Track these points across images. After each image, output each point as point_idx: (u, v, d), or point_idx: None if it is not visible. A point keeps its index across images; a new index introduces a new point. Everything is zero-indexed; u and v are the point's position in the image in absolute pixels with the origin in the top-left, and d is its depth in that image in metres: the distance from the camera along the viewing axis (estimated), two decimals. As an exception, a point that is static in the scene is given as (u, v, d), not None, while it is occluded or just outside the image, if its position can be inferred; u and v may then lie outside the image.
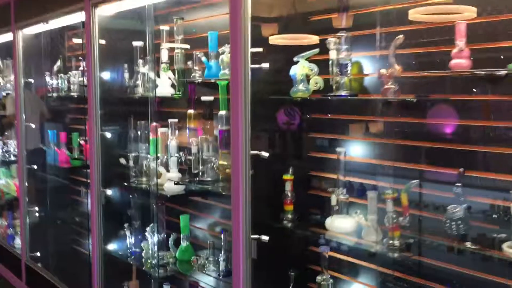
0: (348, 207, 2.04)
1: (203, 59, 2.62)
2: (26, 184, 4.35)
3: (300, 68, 2.14)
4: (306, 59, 2.17)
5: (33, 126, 4.34)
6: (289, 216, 2.24)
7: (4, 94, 5.08)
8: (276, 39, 2.41)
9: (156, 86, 3.06)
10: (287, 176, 2.25)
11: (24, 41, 4.28)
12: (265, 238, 2.13)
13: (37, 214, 4.38)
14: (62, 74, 4.19)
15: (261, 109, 2.24)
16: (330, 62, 2.02)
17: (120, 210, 3.34)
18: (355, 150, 2.14)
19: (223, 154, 2.60)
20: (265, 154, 2.12)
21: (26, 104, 4.36)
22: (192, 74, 2.78)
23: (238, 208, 2.15)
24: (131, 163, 3.22)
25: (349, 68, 1.97)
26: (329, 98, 2.03)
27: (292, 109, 2.61)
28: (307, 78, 2.16)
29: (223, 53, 2.55)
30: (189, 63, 2.77)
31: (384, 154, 2.08)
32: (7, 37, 4.56)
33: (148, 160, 3.11)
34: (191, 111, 2.82)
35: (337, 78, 1.99)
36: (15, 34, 4.25)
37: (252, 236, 2.14)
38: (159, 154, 3.03)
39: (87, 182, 3.38)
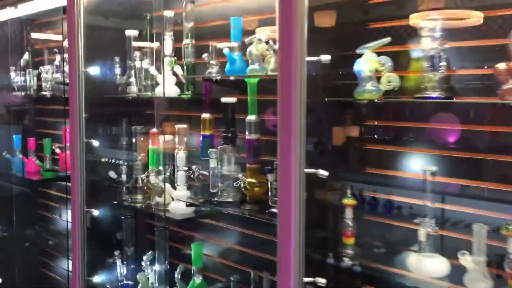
0: (434, 242, 1.58)
1: (226, 51, 2.11)
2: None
3: (368, 63, 1.67)
4: (373, 51, 1.70)
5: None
6: (350, 251, 1.76)
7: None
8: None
9: (156, 84, 2.54)
10: (348, 201, 1.77)
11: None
12: (321, 281, 1.64)
13: (-1, 234, 3.72)
14: (30, 70, 3.57)
15: (311, 114, 1.75)
16: (422, 53, 1.56)
17: (108, 234, 2.77)
18: (438, 167, 1.68)
19: (251, 170, 2.11)
20: (324, 172, 1.64)
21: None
22: (208, 70, 2.26)
23: (288, 242, 1.65)
24: (123, 177, 2.66)
25: (443, 62, 1.52)
26: (417, 100, 1.57)
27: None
28: (377, 75, 1.69)
29: (250, 43, 2.06)
30: (205, 56, 2.25)
31: (484, 174, 1.64)
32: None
33: (147, 174, 2.56)
34: (206, 115, 2.30)
35: (429, 75, 1.53)
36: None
37: (305, 280, 1.65)
38: (161, 167, 2.49)
39: (66, 198, 2.79)
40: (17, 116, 3.81)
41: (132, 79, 2.66)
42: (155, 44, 2.60)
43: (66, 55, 3.18)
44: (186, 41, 2.39)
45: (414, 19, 1.69)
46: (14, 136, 3.63)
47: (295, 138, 1.62)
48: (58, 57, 3.24)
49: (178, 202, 2.34)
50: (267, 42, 1.94)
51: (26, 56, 3.60)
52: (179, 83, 2.48)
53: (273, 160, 2.04)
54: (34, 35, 3.76)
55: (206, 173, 2.26)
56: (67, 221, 2.84)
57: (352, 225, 1.75)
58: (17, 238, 3.67)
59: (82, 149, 2.64)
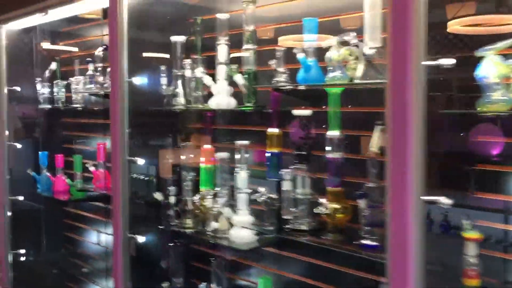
0: None
1: (301, 56, 1.84)
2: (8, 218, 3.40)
3: (495, 67, 1.40)
4: (497, 54, 1.43)
5: (18, 146, 3.39)
6: (473, 295, 1.47)
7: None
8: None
9: (208, 95, 2.27)
10: (471, 234, 1.48)
11: (9, 38, 3.36)
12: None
13: (23, 258, 3.43)
14: (59, 81, 3.32)
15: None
16: None
17: (153, 262, 2.49)
18: None
19: (333, 193, 1.83)
20: (446, 201, 1.35)
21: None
22: (275, 78, 1.99)
23: (404, 285, 1.37)
24: (171, 199, 2.38)
25: None
26: None
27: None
28: (506, 81, 1.41)
29: (328, 48, 1.79)
30: (272, 62, 1.98)
31: None
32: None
33: (199, 195, 2.28)
34: (274, 130, 2.02)
35: None
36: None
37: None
38: (218, 189, 2.21)
39: (105, 222, 2.51)
40: (42, 131, 3.54)
41: (179, 89, 2.40)
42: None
43: (99, 64, 2.96)
44: (246, 46, 2.12)
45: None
46: (40, 152, 3.36)
47: (412, 159, 1.34)
48: (91, 67, 2.98)
49: (239, 228, 2.05)
50: (356, 46, 1.67)
51: (53, 66, 3.35)
52: (234, 94, 2.21)
53: (360, 182, 1.77)
54: (45, 45, 3.50)
55: (274, 196, 1.98)
56: (106, 248, 2.56)
57: (477, 263, 1.46)
58: (43, 262, 3.39)
59: (125, 168, 2.36)
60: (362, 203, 1.67)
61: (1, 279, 3.36)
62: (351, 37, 1.67)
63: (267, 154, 2.02)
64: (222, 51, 2.22)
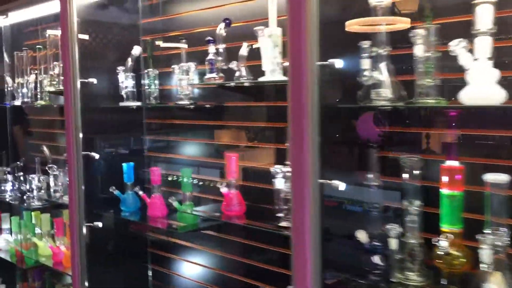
0: None
1: None
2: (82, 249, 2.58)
3: None
4: None
5: (96, 156, 2.56)
6: None
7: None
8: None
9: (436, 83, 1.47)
10: None
11: (80, 15, 2.52)
12: None
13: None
14: (150, 70, 2.50)
15: None
16: None
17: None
18: None
19: None
20: None
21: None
22: None
23: None
24: (392, 242, 1.57)
25: None
26: None
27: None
28: None
29: None
30: None
31: None
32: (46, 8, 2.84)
33: (447, 237, 1.49)
34: None
35: None
36: (67, 2, 2.48)
37: None
38: (490, 231, 1.41)
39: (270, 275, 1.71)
40: (126, 136, 2.72)
41: (383, 76, 1.60)
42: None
43: (221, 45, 2.14)
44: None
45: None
46: (124, 164, 2.54)
47: None
48: (211, 49, 2.15)
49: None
50: None
51: (136, 50, 2.53)
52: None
53: None
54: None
55: None
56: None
57: None
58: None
59: (316, 194, 1.56)
60: None
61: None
62: None
63: None
64: (485, 14, 1.42)
